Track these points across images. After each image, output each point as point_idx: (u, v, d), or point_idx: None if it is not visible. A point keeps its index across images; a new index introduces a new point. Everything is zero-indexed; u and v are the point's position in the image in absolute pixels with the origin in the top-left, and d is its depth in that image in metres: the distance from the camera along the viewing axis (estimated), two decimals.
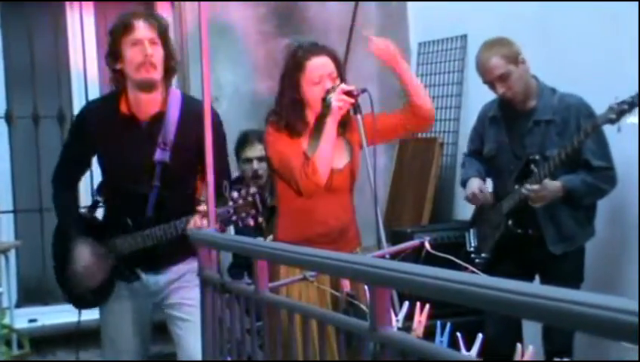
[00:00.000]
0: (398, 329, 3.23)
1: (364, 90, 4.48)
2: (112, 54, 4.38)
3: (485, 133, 5.37)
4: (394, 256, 4.07)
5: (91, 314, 4.94)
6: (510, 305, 1.76)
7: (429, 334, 3.28)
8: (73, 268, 4.52)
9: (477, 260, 5.17)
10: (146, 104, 4.41)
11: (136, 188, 4.40)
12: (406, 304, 3.52)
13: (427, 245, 4.04)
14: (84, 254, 4.50)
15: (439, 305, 2.37)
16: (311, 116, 4.64)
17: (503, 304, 1.78)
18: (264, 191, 5.77)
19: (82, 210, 4.82)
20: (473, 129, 5.63)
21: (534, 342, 3.86)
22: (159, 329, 5.51)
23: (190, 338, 4.38)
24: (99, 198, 4.64)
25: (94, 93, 6.08)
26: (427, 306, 3.27)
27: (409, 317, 3.45)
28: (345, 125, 4.62)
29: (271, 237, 5.76)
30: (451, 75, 7.13)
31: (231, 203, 4.23)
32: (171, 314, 4.62)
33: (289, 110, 4.61)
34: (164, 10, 7.04)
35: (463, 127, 6.67)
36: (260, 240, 5.35)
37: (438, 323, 3.35)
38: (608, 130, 4.71)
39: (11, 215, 6.51)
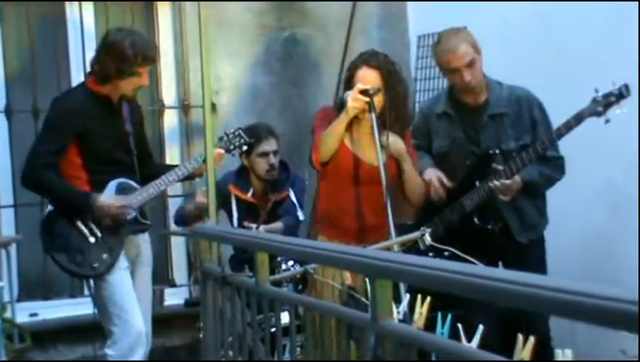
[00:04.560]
0: (399, 320, 3.23)
1: (379, 90, 4.73)
2: None
3: (433, 129, 5.33)
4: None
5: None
6: (513, 296, 1.76)
7: (430, 326, 3.28)
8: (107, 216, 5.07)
9: (438, 258, 5.11)
10: None
11: (123, 156, 5.18)
12: (407, 296, 3.52)
13: (428, 237, 4.04)
14: (108, 200, 5.05)
15: (440, 296, 2.38)
16: None
17: (505, 295, 1.78)
18: (273, 184, 5.85)
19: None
20: (416, 126, 5.55)
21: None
22: (160, 323, 5.53)
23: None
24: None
25: None
26: (428, 298, 3.27)
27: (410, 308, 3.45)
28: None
29: (274, 225, 5.80)
30: None
31: (225, 137, 5.45)
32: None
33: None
34: (163, 6, 7.04)
35: None
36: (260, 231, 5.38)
37: (439, 314, 3.35)
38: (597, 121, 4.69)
39: (12, 209, 6.50)
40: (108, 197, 5.06)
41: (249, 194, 5.98)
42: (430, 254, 4.96)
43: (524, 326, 4.92)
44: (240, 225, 5.86)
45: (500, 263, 5.20)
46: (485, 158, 5.03)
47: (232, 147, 5.47)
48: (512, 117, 5.05)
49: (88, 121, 5.05)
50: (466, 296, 1.93)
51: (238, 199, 5.97)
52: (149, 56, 5.06)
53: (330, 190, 5.13)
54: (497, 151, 4.98)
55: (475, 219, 5.11)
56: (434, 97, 5.38)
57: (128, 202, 5.08)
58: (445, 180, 5.21)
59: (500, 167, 4.88)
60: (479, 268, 1.96)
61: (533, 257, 5.11)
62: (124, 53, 4.96)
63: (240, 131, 5.52)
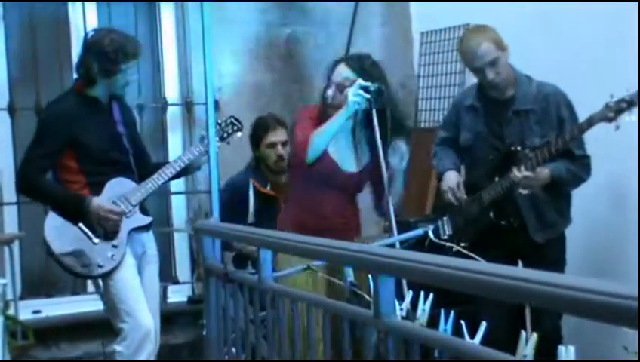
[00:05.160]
0: (402, 317, 3.23)
1: (380, 87, 4.65)
2: None
3: (461, 121, 5.34)
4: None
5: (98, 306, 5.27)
6: (513, 291, 1.76)
7: (433, 322, 3.29)
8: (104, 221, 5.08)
9: (454, 249, 5.10)
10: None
11: (118, 156, 5.18)
12: (410, 293, 3.52)
13: (431, 234, 4.04)
14: (102, 203, 5.06)
15: (443, 293, 2.38)
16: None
17: (506, 291, 1.78)
18: (286, 175, 5.87)
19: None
20: (447, 117, 5.62)
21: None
22: (163, 320, 5.53)
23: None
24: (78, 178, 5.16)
25: None
26: (431, 295, 3.27)
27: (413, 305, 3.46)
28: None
29: None
30: (453, 65, 7.11)
31: (218, 126, 5.40)
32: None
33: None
34: (166, 5, 7.04)
35: None
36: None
37: (442, 311, 3.35)
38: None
39: (15, 207, 6.50)
40: (105, 200, 5.08)
41: (268, 188, 5.99)
42: (447, 245, 4.98)
43: (535, 324, 4.95)
44: (258, 218, 5.86)
45: (520, 262, 5.20)
46: (508, 155, 5.02)
47: (225, 135, 5.50)
48: (538, 113, 5.02)
49: (79, 124, 5.06)
50: (468, 292, 1.93)
51: (258, 193, 5.97)
52: (129, 52, 5.08)
53: (302, 195, 5.08)
54: (520, 148, 4.96)
55: (491, 214, 5.10)
56: (466, 89, 5.38)
57: (119, 208, 5.09)
58: (462, 191, 5.21)
59: (531, 154, 4.84)
60: (480, 265, 1.97)
61: (550, 257, 5.04)
62: (105, 52, 5.00)
63: (232, 119, 5.55)
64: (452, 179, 5.27)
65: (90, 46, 5.08)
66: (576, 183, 5.08)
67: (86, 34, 5.32)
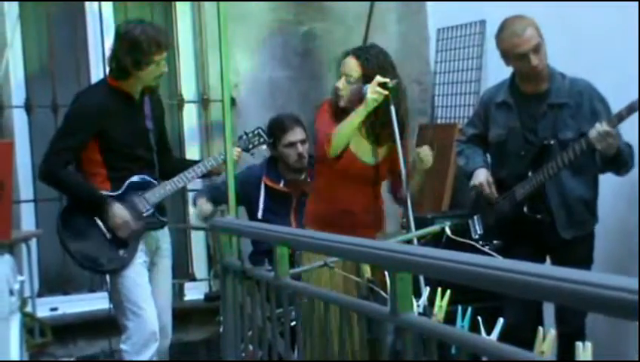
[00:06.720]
0: (419, 314, 3.23)
1: (398, 83, 4.72)
2: None
3: (491, 118, 5.30)
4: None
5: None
6: (525, 286, 1.76)
7: (450, 319, 3.28)
8: (115, 224, 5.09)
9: (487, 247, 5.08)
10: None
11: (142, 153, 5.20)
12: (427, 289, 3.52)
13: (448, 230, 4.04)
14: (121, 210, 5.09)
15: (460, 290, 2.37)
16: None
17: (519, 286, 1.78)
18: (305, 172, 5.87)
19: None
20: (475, 114, 5.59)
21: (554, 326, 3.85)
22: (180, 317, 5.53)
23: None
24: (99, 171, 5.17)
25: None
26: (448, 291, 3.26)
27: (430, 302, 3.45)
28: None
29: None
30: (470, 61, 7.09)
31: (245, 136, 5.50)
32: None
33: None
34: (182, 4, 7.05)
35: None
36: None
37: (459, 307, 3.35)
38: None
39: (32, 204, 6.53)
40: (125, 204, 5.10)
41: (281, 184, 6.01)
42: (480, 243, 4.96)
43: (560, 322, 4.93)
44: (267, 215, 5.89)
45: (548, 258, 5.18)
46: (541, 149, 4.99)
47: (250, 146, 5.50)
48: (572, 108, 4.97)
49: (108, 118, 5.05)
50: (485, 289, 1.92)
51: (269, 189, 5.99)
52: (162, 43, 5.06)
53: (323, 187, 5.12)
54: (552, 142, 4.93)
55: (525, 209, 5.07)
56: (496, 85, 5.32)
57: (132, 222, 5.10)
58: (493, 188, 5.19)
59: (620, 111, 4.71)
60: (497, 261, 1.96)
61: (577, 254, 5.03)
62: (138, 42, 4.97)
63: (259, 130, 5.55)
64: (483, 176, 5.25)
65: (123, 37, 5.04)
66: (626, 165, 4.96)
67: (117, 26, 5.30)
